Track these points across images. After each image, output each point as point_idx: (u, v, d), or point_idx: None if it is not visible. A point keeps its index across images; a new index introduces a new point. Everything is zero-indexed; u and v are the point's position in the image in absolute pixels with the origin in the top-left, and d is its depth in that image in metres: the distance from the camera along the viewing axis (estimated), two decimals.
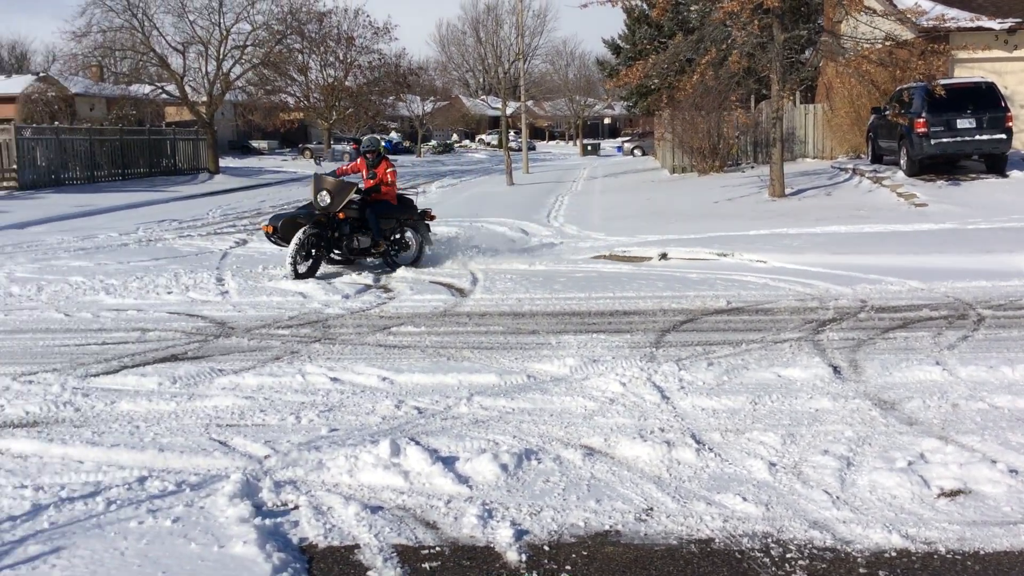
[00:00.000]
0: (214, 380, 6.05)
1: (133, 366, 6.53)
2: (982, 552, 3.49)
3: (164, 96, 37.80)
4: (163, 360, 6.72)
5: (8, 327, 8.07)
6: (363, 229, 11.10)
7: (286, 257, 10.54)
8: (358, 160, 11.65)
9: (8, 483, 4.24)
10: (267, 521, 3.80)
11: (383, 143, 11.71)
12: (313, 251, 10.74)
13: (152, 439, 4.87)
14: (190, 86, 36.67)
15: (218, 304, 8.98)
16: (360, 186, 11.18)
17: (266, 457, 4.55)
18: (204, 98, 36.60)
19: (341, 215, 10.87)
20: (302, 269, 10.55)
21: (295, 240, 10.48)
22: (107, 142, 32.38)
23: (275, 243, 11.11)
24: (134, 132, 34.82)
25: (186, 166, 36.26)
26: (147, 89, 38.21)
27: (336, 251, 11.15)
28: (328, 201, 10.70)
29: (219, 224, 18.01)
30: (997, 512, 3.81)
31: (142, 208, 22.47)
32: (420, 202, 14.04)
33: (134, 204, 23.28)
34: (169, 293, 9.54)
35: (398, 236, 11.48)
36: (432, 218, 12.05)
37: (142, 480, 4.27)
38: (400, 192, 12.04)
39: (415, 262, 11.54)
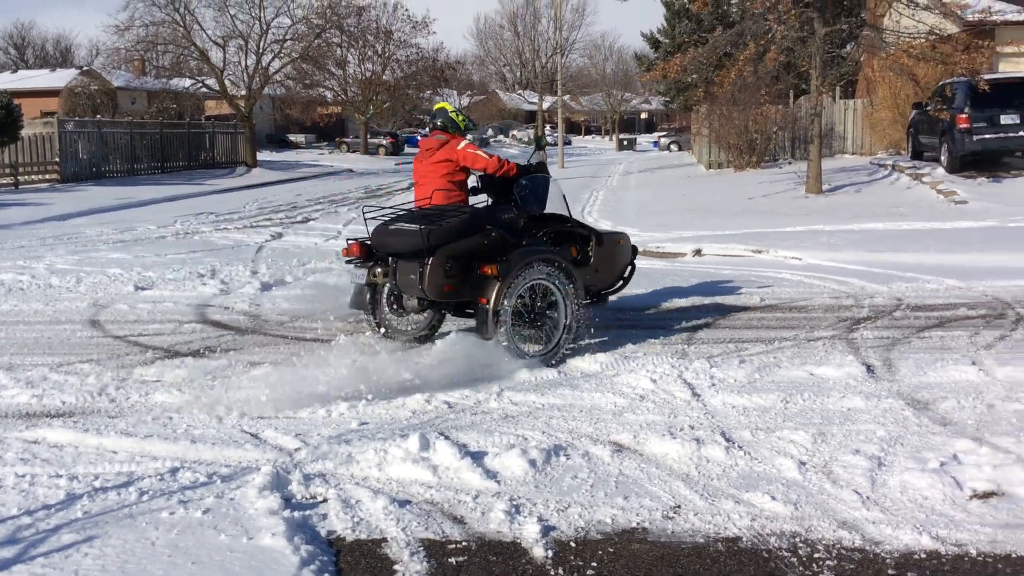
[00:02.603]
0: (247, 372, 6.11)
1: (168, 358, 6.63)
2: (1014, 555, 3.43)
3: (204, 90, 38.25)
4: (197, 352, 6.81)
5: (47, 318, 8.22)
6: None
7: None
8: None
9: (43, 472, 4.32)
10: (296, 514, 3.83)
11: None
12: None
13: (185, 431, 4.93)
14: (229, 80, 37.10)
15: (253, 296, 9.08)
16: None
17: (296, 450, 4.59)
18: (243, 92, 36.98)
19: None
20: None
21: None
22: (147, 135, 32.84)
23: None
24: (174, 126, 35.27)
25: (224, 159, 36.67)
26: (187, 83, 38.67)
27: None
28: None
29: (255, 217, 18.20)
30: None
31: (180, 201, 22.77)
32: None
33: (172, 197, 23.59)
34: (204, 286, 9.65)
35: None
36: None
37: (174, 471, 4.32)
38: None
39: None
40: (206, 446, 4.67)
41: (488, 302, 6.10)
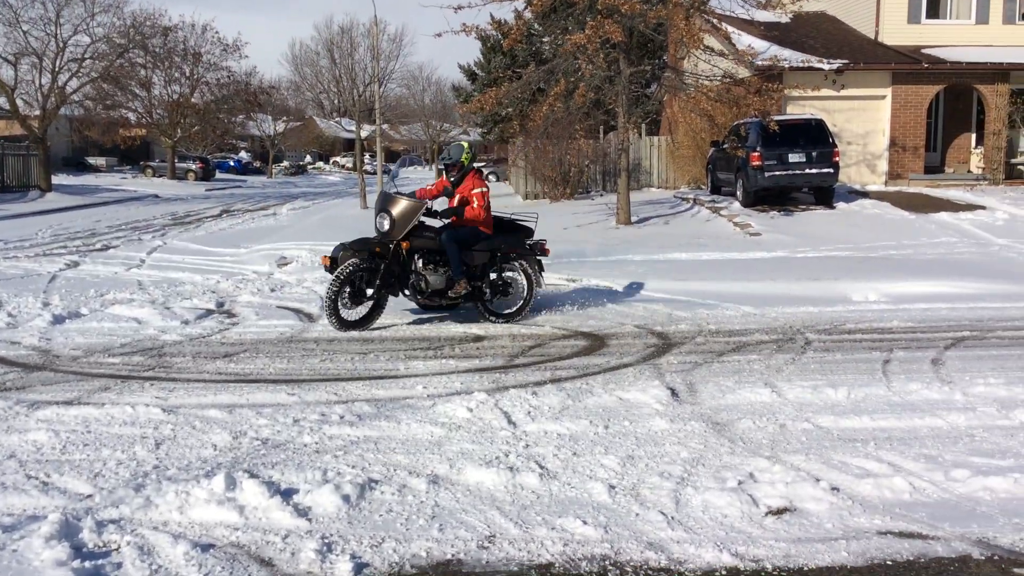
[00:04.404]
0: (34, 412, 5.65)
1: None
2: (806, 568, 3.65)
3: None
4: None
5: None
6: (441, 263, 9.01)
7: (324, 299, 8.71)
8: (441, 178, 9.43)
9: None
10: (87, 564, 3.56)
11: (466, 152, 9.32)
12: (369, 291, 8.76)
13: None
14: (22, 99, 34.52)
15: (43, 330, 8.44)
16: (431, 206, 9.08)
17: (89, 495, 4.28)
18: (37, 112, 34.54)
19: (405, 244, 8.82)
20: (350, 315, 8.70)
21: (335, 276, 8.55)
22: None
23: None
24: None
25: (15, 183, 34.04)
26: None
27: (406, 291, 9.02)
28: (387, 226, 8.74)
29: (49, 245, 16.99)
30: (820, 529, 4.01)
31: None
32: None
33: None
34: None
35: (494, 276, 9.20)
36: (545, 252, 9.46)
37: None
38: (511, 217, 9.77)
39: (519, 311, 9.22)
40: None
41: None
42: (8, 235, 18.79)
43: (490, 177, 54.28)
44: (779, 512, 4.17)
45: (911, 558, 3.73)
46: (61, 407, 5.78)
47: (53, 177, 35.85)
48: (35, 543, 3.70)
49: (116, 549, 3.73)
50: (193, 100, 45.41)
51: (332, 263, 8.75)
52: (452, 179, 9.30)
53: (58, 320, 8.90)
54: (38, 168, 34.55)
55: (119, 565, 3.59)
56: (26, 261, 14.10)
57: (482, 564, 3.68)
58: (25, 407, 5.78)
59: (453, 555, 3.75)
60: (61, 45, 34.22)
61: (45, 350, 7.68)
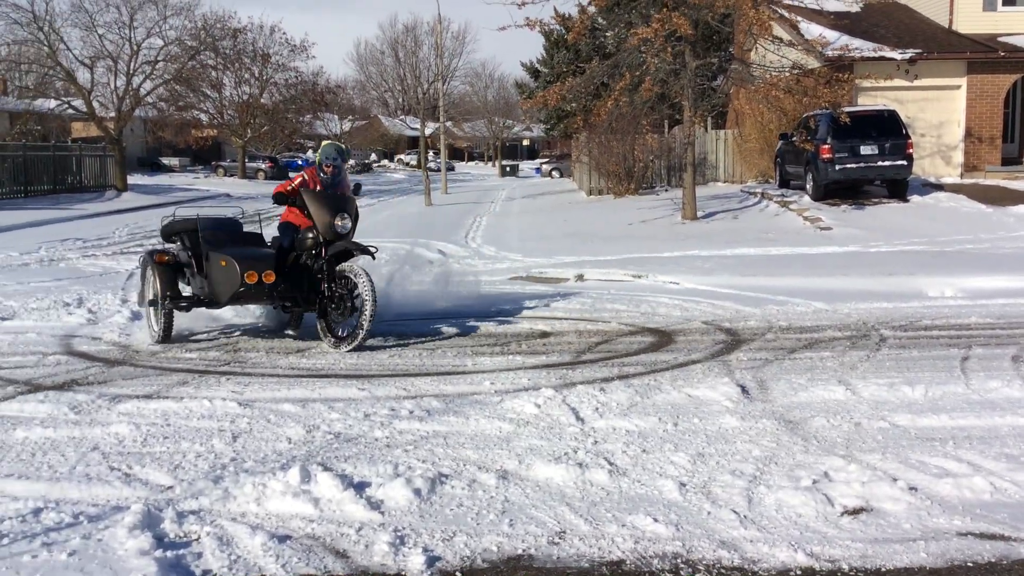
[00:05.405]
0: (116, 406, 5.84)
1: (30, 391, 6.26)
2: (883, 569, 3.57)
3: (70, 111, 36.65)
4: (62, 385, 6.46)
5: None
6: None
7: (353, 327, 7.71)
8: (304, 172, 8.62)
9: None
10: (168, 553, 3.66)
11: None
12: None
13: (49, 468, 4.66)
14: (98, 101, 35.65)
15: (123, 326, 8.70)
16: None
17: (169, 487, 4.40)
18: (112, 114, 35.60)
19: None
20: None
21: (370, 294, 7.53)
22: (8, 158, 31.20)
23: (277, 305, 8.34)
24: (38, 148, 33.61)
25: (93, 183, 35.14)
26: (53, 104, 37.03)
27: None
28: (348, 227, 7.98)
29: (126, 243, 17.50)
30: (898, 529, 3.92)
31: (45, 226, 21.69)
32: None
33: (36, 222, 22.46)
34: (71, 315, 9.20)
35: None
36: None
37: (37, 512, 4.08)
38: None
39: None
40: (71, 484, 4.42)
41: None
42: (87, 234, 19.41)
43: (553, 173, 54.30)
44: (855, 512, 4.09)
45: (992, 560, 3.63)
46: (141, 401, 5.96)
47: (128, 177, 36.90)
48: (119, 533, 3.82)
49: (196, 539, 3.83)
50: (262, 100, 46.39)
51: (275, 280, 7.72)
52: (329, 178, 8.44)
53: (136, 316, 9.16)
54: (114, 168, 35.59)
55: (199, 555, 3.69)
56: (104, 259, 14.55)
57: (553, 560, 3.68)
58: (107, 401, 5.96)
59: (524, 550, 3.76)
60: (135, 48, 35.24)
61: (125, 345, 7.91)
